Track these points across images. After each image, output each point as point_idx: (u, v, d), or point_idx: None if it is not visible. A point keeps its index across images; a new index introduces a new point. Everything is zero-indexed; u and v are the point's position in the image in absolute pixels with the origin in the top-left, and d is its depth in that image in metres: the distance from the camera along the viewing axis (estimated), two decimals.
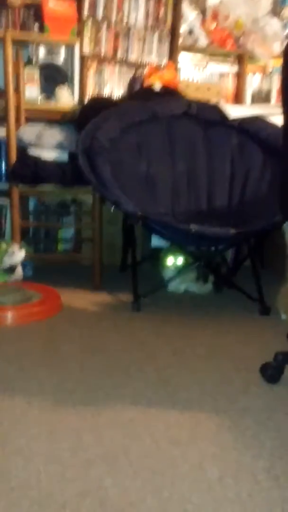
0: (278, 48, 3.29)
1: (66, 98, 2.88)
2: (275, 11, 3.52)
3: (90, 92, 3.11)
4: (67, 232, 3.01)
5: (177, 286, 2.48)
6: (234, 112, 2.60)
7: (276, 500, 1.04)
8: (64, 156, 2.49)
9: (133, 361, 1.69)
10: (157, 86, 2.75)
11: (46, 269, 2.68)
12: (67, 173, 2.46)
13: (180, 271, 2.42)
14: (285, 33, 3.33)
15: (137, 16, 3.24)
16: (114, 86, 3.23)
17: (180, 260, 2.47)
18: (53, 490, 1.03)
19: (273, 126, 2.46)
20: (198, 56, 3.42)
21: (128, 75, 3.21)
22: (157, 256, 2.65)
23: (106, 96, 3.10)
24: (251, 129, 2.54)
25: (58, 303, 2.21)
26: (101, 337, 1.90)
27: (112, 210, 2.62)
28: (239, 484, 1.09)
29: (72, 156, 2.41)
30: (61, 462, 1.14)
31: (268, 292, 2.24)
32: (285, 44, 1.51)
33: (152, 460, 1.16)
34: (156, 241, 2.75)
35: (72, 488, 1.05)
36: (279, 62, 3.08)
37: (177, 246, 2.43)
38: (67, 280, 2.56)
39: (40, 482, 1.06)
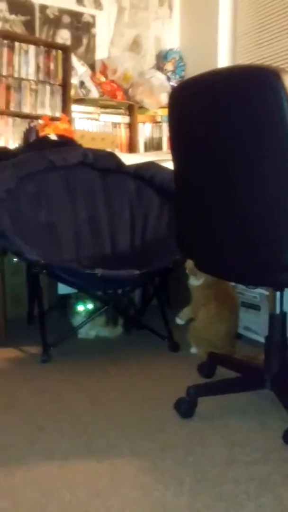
0: (165, 98, 3.51)
1: None
2: (159, 66, 3.79)
3: None
4: None
5: (87, 332, 2.46)
6: (129, 160, 2.70)
7: None
8: None
9: (46, 414, 1.63)
10: (53, 137, 2.79)
11: None
12: None
13: (89, 316, 2.40)
14: (170, 85, 3.57)
15: (28, 70, 3.31)
16: (9, 138, 3.24)
17: (88, 306, 2.46)
18: None
19: (166, 171, 2.58)
20: (91, 107, 3.55)
21: (22, 127, 3.25)
22: (64, 303, 2.61)
23: (1, 147, 3.09)
24: (146, 174, 2.65)
25: None
26: (10, 393, 1.82)
27: (14, 261, 2.59)
28: None
29: None
30: None
31: (176, 329, 2.29)
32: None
33: None
34: (63, 289, 2.71)
35: None
36: (166, 112, 3.29)
37: (84, 291, 2.42)
38: None
39: None
